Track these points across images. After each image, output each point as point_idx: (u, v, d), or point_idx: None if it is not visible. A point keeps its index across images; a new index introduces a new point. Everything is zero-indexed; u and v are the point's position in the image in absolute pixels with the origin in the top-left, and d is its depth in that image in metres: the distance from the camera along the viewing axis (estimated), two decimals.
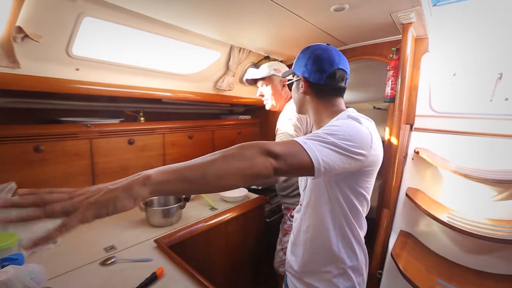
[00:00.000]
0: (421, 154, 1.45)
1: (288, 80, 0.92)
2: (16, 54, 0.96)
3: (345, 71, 0.79)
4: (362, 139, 0.64)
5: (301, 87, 0.82)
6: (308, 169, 0.56)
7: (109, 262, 0.97)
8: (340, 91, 0.82)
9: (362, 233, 0.79)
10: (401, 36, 1.37)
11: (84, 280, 0.87)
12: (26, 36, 0.94)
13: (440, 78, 1.59)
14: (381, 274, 1.37)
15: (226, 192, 1.70)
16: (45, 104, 1.34)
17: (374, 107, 2.57)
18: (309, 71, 0.79)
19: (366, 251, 0.82)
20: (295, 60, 0.86)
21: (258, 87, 1.51)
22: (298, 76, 0.84)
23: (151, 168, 0.45)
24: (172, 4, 1.09)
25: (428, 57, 1.56)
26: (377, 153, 0.69)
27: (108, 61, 1.30)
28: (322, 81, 0.77)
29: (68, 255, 1.01)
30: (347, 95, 2.54)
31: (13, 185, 1.10)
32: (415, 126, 1.63)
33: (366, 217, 0.81)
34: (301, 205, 0.88)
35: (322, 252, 0.78)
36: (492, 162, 1.34)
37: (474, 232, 1.13)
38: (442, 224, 1.24)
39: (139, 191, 0.42)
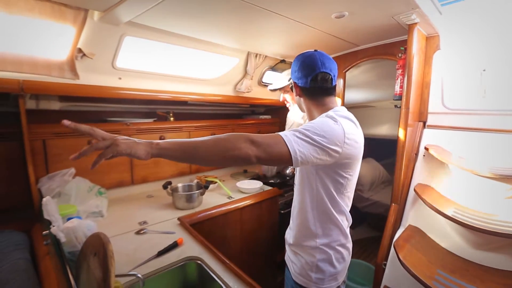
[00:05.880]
0: (430, 150, 1.47)
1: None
2: (77, 68, 1.25)
3: (328, 73, 0.86)
4: (334, 135, 0.73)
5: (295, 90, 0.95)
6: (286, 158, 0.67)
7: (142, 232, 1.22)
8: (328, 91, 0.89)
9: (341, 218, 0.89)
10: None
11: (123, 243, 1.12)
12: (84, 54, 1.22)
13: (453, 76, 1.58)
14: (385, 265, 1.42)
15: (243, 184, 1.88)
16: (95, 107, 1.66)
17: (395, 106, 2.54)
18: (297, 77, 0.90)
19: (346, 233, 0.92)
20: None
21: (280, 93, 1.64)
22: (292, 82, 0.96)
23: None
24: (198, 22, 1.29)
25: (441, 55, 1.57)
26: (353, 148, 0.78)
27: (144, 70, 1.57)
28: (307, 85, 0.88)
29: (111, 225, 1.28)
30: (369, 94, 2.54)
31: (72, 170, 1.40)
32: (428, 123, 1.65)
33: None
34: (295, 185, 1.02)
35: (302, 228, 0.92)
36: (506, 159, 1.32)
37: (482, 227, 1.13)
38: (446, 218, 1.26)
39: (151, 150, 0.63)
